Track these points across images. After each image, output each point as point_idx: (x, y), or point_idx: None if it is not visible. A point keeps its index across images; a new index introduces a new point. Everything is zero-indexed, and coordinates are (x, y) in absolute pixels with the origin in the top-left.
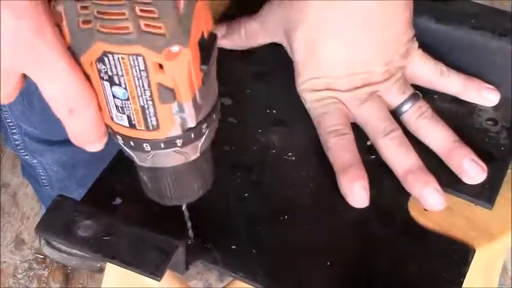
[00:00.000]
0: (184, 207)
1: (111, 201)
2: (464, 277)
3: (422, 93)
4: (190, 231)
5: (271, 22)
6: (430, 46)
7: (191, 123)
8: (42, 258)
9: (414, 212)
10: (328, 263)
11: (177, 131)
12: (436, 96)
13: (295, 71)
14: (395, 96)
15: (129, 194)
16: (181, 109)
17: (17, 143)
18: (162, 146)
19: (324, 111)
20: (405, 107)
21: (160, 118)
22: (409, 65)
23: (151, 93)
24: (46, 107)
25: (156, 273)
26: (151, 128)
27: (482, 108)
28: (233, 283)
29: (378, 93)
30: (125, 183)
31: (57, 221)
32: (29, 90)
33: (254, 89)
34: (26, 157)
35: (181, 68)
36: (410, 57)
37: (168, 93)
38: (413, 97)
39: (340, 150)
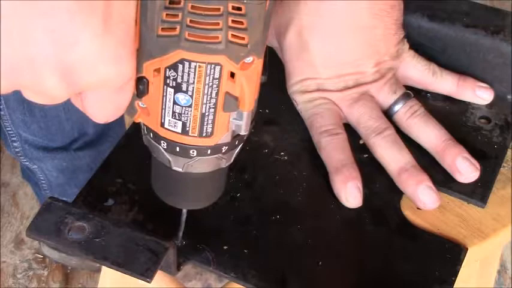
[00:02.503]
0: (184, 210)
1: (103, 203)
2: (456, 276)
3: (415, 91)
4: (181, 234)
5: None
6: (422, 44)
7: (244, 132)
8: (41, 258)
9: (407, 211)
10: (320, 263)
11: (227, 138)
12: (428, 94)
13: (286, 73)
14: (387, 96)
15: (122, 195)
16: (239, 117)
17: (17, 150)
18: (209, 152)
19: (316, 112)
20: (397, 107)
21: (216, 126)
22: (401, 66)
23: (216, 101)
24: (46, 115)
25: (146, 274)
26: (204, 134)
27: (476, 106)
28: (232, 283)
29: (370, 93)
30: (117, 185)
31: (48, 223)
32: (30, 102)
33: None
34: (26, 163)
35: (251, 77)
36: (401, 58)
37: (233, 102)
38: (405, 96)
39: (333, 150)
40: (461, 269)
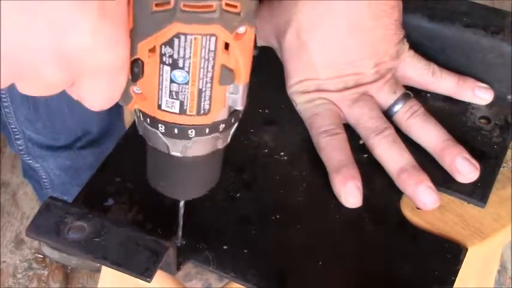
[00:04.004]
0: (181, 204)
1: (102, 202)
2: (456, 276)
3: (414, 92)
4: (180, 231)
5: (261, 25)
6: (421, 44)
7: (240, 106)
8: (41, 258)
9: (406, 211)
10: (320, 263)
11: (224, 115)
12: (428, 95)
13: (285, 74)
14: (387, 96)
15: (121, 195)
16: (235, 91)
17: (20, 148)
18: (207, 131)
19: (315, 112)
20: (397, 107)
21: (213, 101)
22: (400, 66)
23: (212, 75)
24: (51, 113)
25: (145, 274)
26: (202, 112)
27: (475, 106)
28: (232, 283)
29: (369, 94)
30: (117, 184)
31: (48, 222)
32: (35, 97)
33: None
34: (29, 161)
35: (245, 48)
36: (401, 58)
37: (229, 75)
38: (405, 97)
39: (333, 150)
40: (461, 269)
